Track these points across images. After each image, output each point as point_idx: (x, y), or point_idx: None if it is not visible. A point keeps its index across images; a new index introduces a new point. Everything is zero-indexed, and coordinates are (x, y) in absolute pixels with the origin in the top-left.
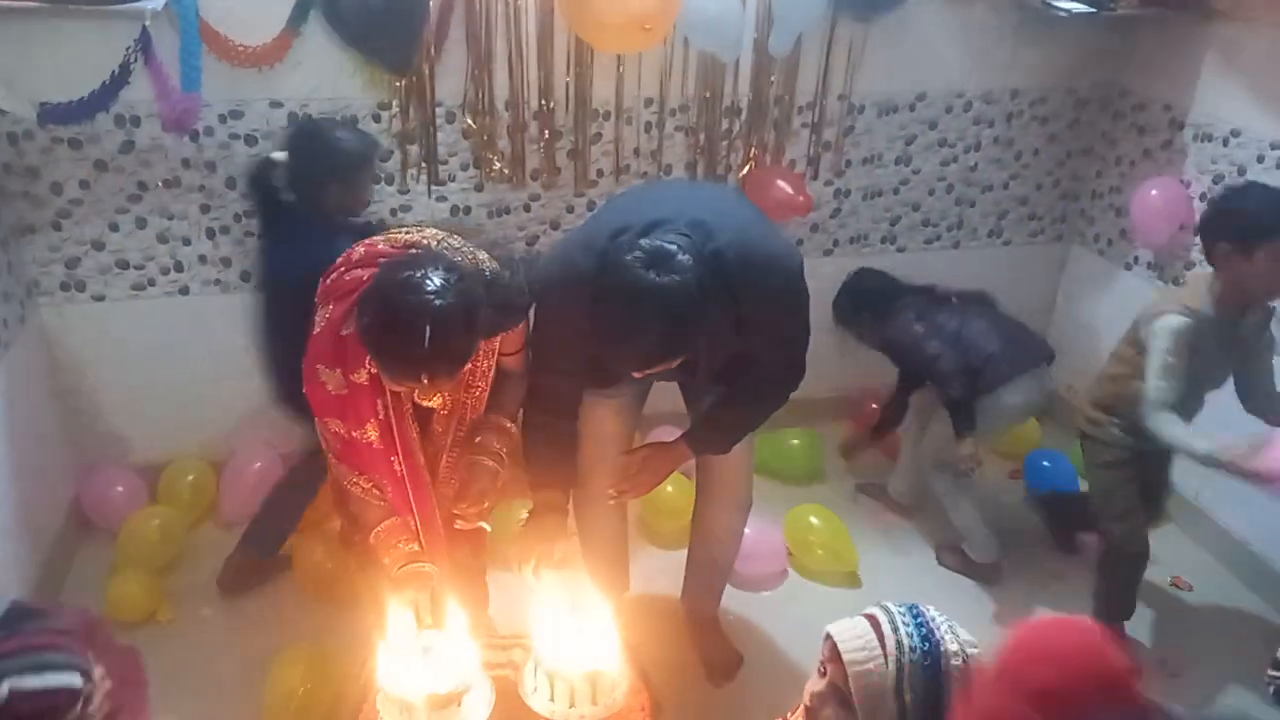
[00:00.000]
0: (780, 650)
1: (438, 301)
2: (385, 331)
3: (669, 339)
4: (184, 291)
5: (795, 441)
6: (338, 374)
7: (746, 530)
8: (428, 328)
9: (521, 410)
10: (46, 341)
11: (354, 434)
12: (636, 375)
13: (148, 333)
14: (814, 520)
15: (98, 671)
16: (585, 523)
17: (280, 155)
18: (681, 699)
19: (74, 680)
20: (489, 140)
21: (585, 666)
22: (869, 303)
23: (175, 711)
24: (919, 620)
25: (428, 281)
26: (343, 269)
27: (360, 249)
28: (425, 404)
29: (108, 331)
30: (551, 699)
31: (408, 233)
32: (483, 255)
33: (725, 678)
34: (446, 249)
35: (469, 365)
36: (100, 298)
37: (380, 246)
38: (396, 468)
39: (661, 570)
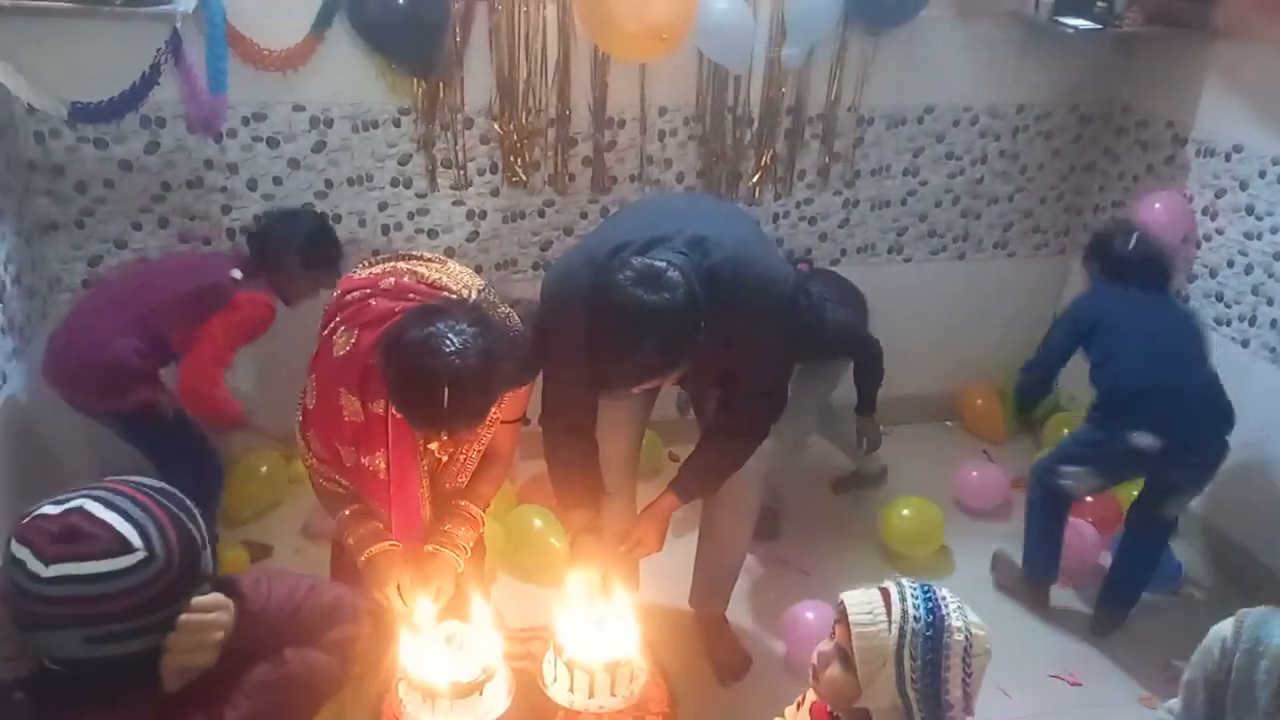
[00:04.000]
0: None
1: (457, 362)
2: (406, 389)
3: (659, 357)
4: None
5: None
6: (356, 401)
7: None
8: (446, 390)
9: (541, 431)
10: None
11: (362, 461)
12: (635, 390)
13: None
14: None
15: (171, 555)
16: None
17: None
18: (692, 696)
19: (131, 535)
20: (512, 145)
21: (605, 657)
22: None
23: None
24: (928, 595)
25: (447, 341)
26: (369, 292)
27: (390, 278)
28: (427, 445)
29: None
30: (571, 689)
31: (437, 264)
32: (507, 309)
33: (734, 678)
34: (483, 302)
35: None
36: None
37: (406, 280)
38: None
39: (671, 567)
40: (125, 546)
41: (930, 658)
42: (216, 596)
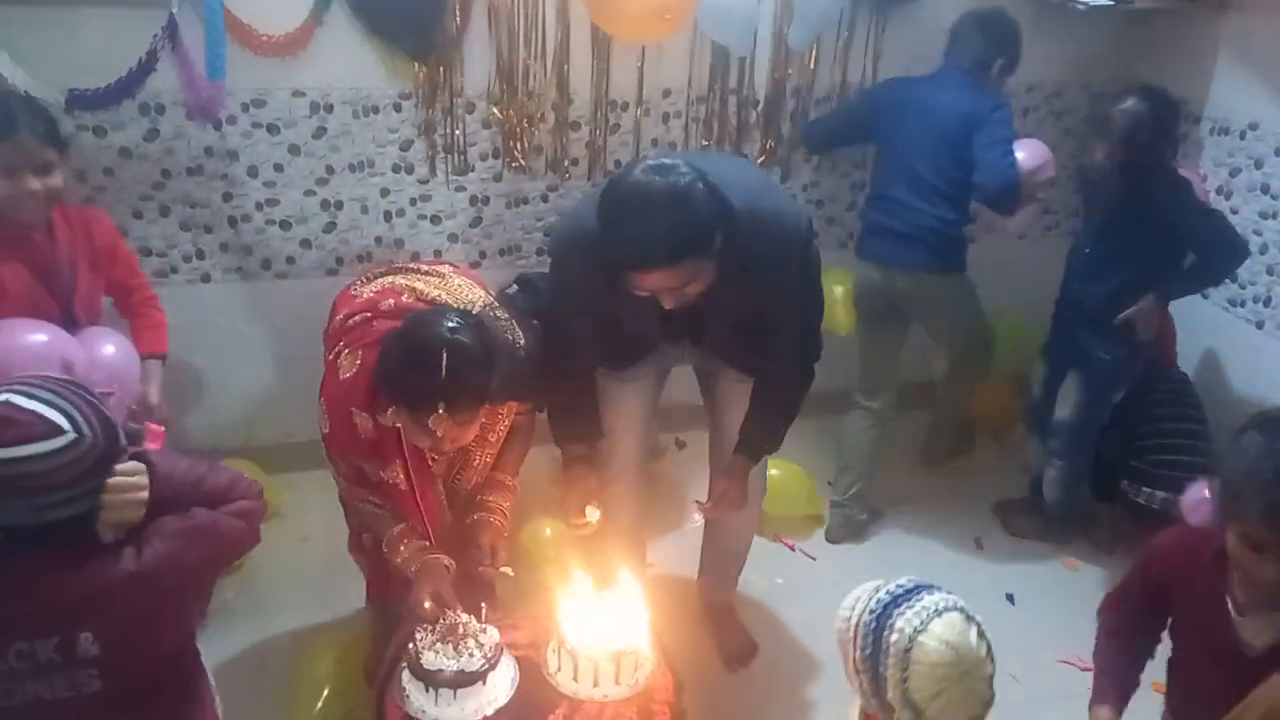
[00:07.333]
0: (796, 637)
1: (453, 335)
2: (403, 363)
3: (675, 231)
4: (205, 279)
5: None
6: (368, 418)
7: None
8: (444, 354)
9: (540, 375)
10: None
11: (382, 474)
12: (642, 292)
13: (169, 319)
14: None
15: (95, 433)
16: (606, 503)
17: None
18: (699, 682)
19: (59, 420)
20: (513, 130)
21: (609, 646)
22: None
23: None
24: (897, 592)
25: (446, 319)
26: (370, 315)
27: (389, 299)
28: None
29: None
30: (575, 678)
31: (436, 279)
32: (510, 322)
33: (741, 664)
34: (485, 316)
35: (485, 419)
36: None
37: (406, 299)
38: (417, 502)
39: (677, 552)
40: (55, 430)
41: (871, 651)
42: (135, 463)
